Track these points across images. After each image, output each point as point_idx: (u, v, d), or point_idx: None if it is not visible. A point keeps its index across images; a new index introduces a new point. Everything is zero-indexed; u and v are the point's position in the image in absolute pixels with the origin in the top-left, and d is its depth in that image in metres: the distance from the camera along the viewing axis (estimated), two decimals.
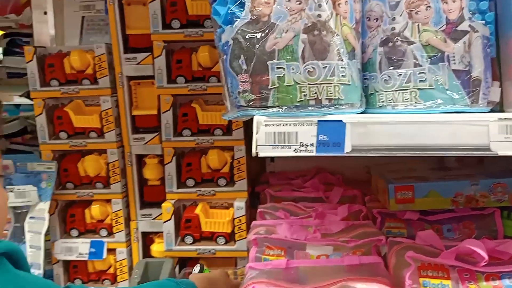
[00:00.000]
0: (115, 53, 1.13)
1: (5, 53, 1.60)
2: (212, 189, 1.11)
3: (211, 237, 1.11)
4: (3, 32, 1.70)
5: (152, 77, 1.11)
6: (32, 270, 1.12)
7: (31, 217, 1.17)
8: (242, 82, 0.64)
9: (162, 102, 1.10)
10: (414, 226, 0.80)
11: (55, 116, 1.18)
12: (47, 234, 1.16)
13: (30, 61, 1.16)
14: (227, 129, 1.11)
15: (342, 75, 0.60)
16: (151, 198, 1.19)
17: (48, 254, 1.19)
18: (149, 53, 1.11)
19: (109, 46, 1.14)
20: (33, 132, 1.66)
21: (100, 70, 1.15)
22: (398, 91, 0.61)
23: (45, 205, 1.16)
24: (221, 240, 1.10)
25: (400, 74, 0.61)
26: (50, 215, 1.17)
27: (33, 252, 1.14)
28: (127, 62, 1.12)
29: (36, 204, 1.17)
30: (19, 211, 1.19)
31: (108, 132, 1.15)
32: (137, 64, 1.12)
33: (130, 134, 1.16)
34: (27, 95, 1.69)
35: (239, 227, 1.08)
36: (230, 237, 1.10)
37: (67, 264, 1.21)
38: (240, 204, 1.08)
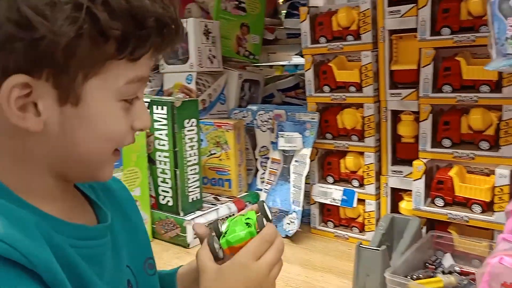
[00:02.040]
0: (379, 7, 1.13)
1: (285, 16, 1.82)
2: (471, 152, 1.02)
3: (465, 203, 1.02)
4: None
5: (415, 29, 1.07)
6: (292, 207, 1.30)
7: (296, 161, 1.33)
8: (511, 26, 0.56)
9: (422, 55, 1.05)
10: None
11: (320, 71, 1.29)
12: (307, 177, 1.30)
13: (303, 21, 1.29)
14: (496, 86, 0.98)
15: None
16: (403, 155, 1.18)
17: (307, 195, 1.34)
18: (413, 5, 1.06)
19: (374, 0, 1.15)
20: (304, 87, 1.86)
21: (364, 26, 1.17)
22: None
23: (307, 151, 1.30)
24: (477, 208, 1.00)
25: None
26: (311, 161, 1.30)
27: (295, 191, 1.31)
28: (390, 15, 1.11)
29: (300, 150, 1.32)
30: (287, 154, 1.37)
31: (366, 86, 1.18)
32: (401, 16, 1.10)
33: (387, 89, 1.16)
34: (301, 54, 1.89)
35: (500, 197, 0.96)
36: (488, 207, 1.00)
37: (322, 206, 1.34)
38: (503, 172, 0.95)
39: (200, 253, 0.59)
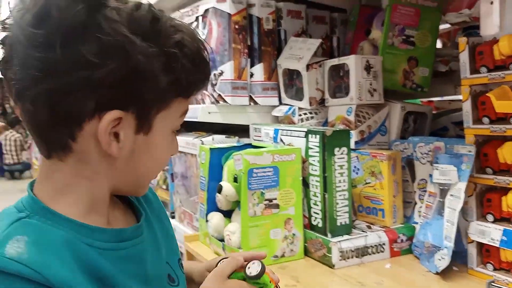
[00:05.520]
0: None
1: None
2: None
3: None
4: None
5: None
6: (444, 242, 1.24)
7: (450, 195, 1.28)
8: None
9: None
10: None
11: (479, 102, 1.23)
12: (466, 214, 1.23)
13: (462, 51, 1.26)
14: None
15: None
16: None
17: (465, 233, 1.26)
18: None
19: None
20: None
21: None
22: None
23: (462, 185, 1.24)
24: None
25: None
26: (468, 196, 1.24)
27: (448, 226, 1.26)
28: None
29: (456, 183, 1.27)
30: (442, 188, 1.33)
31: None
32: None
33: None
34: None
35: None
36: None
37: (480, 246, 1.24)
38: None
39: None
